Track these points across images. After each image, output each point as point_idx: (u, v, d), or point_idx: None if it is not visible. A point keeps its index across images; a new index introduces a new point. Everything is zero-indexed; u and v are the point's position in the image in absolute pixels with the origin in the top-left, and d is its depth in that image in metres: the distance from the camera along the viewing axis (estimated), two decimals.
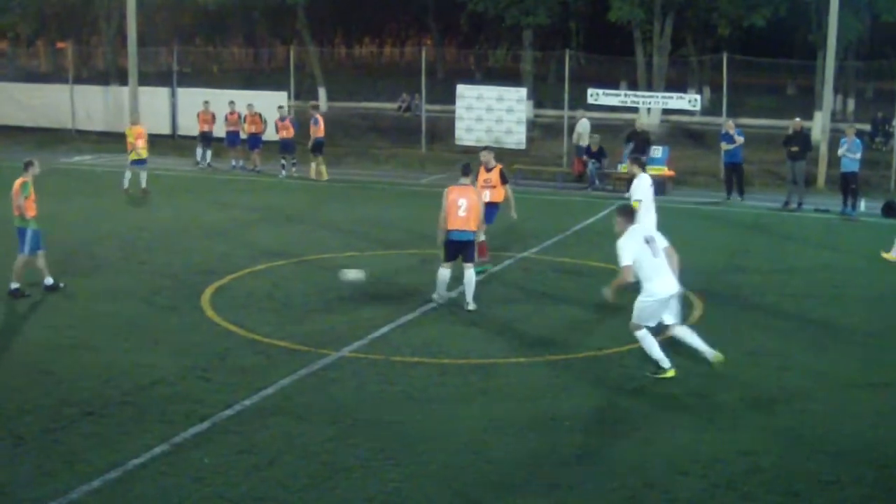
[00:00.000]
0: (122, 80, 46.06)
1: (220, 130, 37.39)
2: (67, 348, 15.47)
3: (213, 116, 37.26)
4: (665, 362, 14.31)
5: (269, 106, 37.74)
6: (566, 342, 15.98)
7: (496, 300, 18.18)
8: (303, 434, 12.18)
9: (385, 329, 16.39)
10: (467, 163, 18.65)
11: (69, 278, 19.56)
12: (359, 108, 55.72)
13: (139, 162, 30.33)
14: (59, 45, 64.16)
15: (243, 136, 36.93)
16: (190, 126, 40.05)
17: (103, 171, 35.48)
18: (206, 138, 37.20)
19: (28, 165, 18.77)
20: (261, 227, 25.42)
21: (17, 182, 18.47)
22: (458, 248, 17.55)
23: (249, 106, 36.88)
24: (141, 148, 30.38)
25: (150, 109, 41.11)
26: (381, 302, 18.20)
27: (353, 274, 18.44)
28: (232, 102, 37.47)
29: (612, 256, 14.57)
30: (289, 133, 35.38)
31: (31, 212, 18.47)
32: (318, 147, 34.65)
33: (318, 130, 34.82)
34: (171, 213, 27.56)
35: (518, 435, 12.25)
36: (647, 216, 18.37)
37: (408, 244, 22.77)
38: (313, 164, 34.70)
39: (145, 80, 43.89)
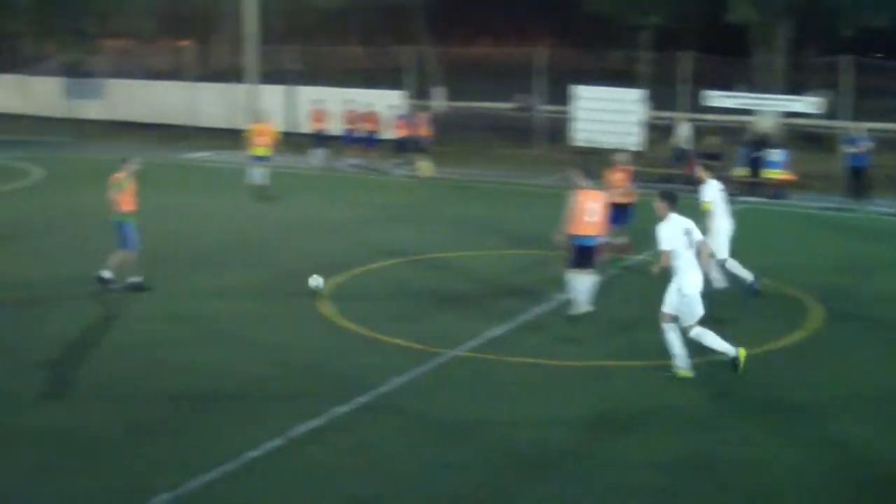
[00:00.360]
0: (242, 78, 46.58)
1: (337, 129, 37.64)
2: (186, 341, 15.70)
3: (327, 115, 37.47)
4: (683, 360, 14.25)
5: (385, 104, 37.86)
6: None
7: (613, 302, 18.00)
8: (416, 432, 12.20)
9: (500, 329, 16.33)
10: (587, 167, 18.09)
11: (188, 273, 19.89)
12: (475, 108, 55.64)
13: (259, 159, 30.67)
14: (181, 43, 65.09)
15: (360, 134, 37.14)
16: (308, 124, 40.38)
17: (221, 167, 35.97)
18: (320, 137, 37.46)
19: (124, 161, 19.10)
20: (376, 225, 25.53)
21: (113, 178, 18.86)
22: (585, 254, 17.01)
23: (367, 104, 37.07)
24: (261, 146, 30.68)
25: (268, 107, 41.52)
26: (496, 302, 18.16)
27: (312, 282, 18.40)
28: (350, 101, 37.70)
29: None
30: (407, 132, 35.51)
31: (128, 206, 18.79)
32: (420, 146, 34.84)
33: (421, 129, 35.03)
34: (288, 210, 27.81)
35: (629, 439, 12.11)
36: (720, 220, 18.40)
37: (522, 244, 22.67)
38: (419, 162, 34.86)
39: (265, 78, 44.38)
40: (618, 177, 21.38)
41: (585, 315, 16.86)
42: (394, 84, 42.66)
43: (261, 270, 20.38)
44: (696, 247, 14.39)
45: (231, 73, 52.47)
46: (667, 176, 34.85)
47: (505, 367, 14.58)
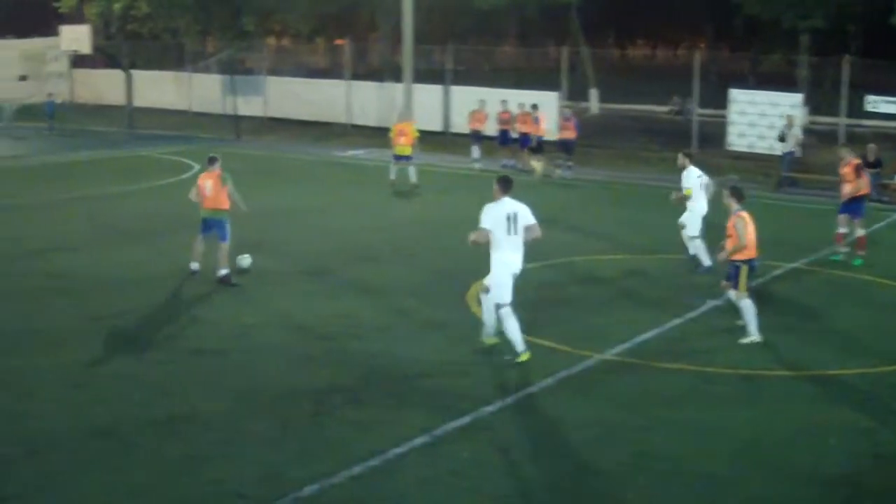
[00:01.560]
0: (397, 76, 47.01)
1: (491, 129, 37.72)
2: (334, 336, 15.90)
3: (485, 115, 37.58)
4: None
5: (540, 105, 37.76)
6: (835, 358, 15.37)
7: (768, 311, 17.64)
8: (561, 434, 12.15)
9: (649, 334, 16.16)
10: (738, 188, 16.61)
11: (339, 268, 20.17)
12: (629, 110, 55.27)
13: (401, 157, 30.94)
14: (338, 42, 66.00)
15: (514, 135, 37.13)
16: (462, 124, 40.54)
17: (374, 165, 36.33)
18: (477, 137, 37.55)
19: (214, 160, 19.69)
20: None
21: (213, 176, 19.38)
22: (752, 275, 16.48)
23: (521, 105, 37.02)
24: (402, 144, 30.98)
25: (423, 106, 41.84)
26: (645, 306, 17.98)
27: (244, 261, 19.20)
28: (504, 101, 37.73)
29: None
30: (570, 134, 35.40)
31: (226, 204, 19.41)
32: (537, 146, 34.91)
33: (540, 130, 35.41)
34: (441, 208, 27.98)
35: (778, 451, 11.86)
36: (699, 202, 20.67)
37: (672, 248, 22.38)
38: (533, 162, 34.88)
39: (419, 77, 44.71)
40: (846, 171, 21.98)
41: (737, 324, 16.44)
42: (549, 85, 42.58)
43: (412, 267, 20.53)
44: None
45: (387, 72, 53.06)
46: (831, 184, 34.12)
47: (653, 372, 14.42)
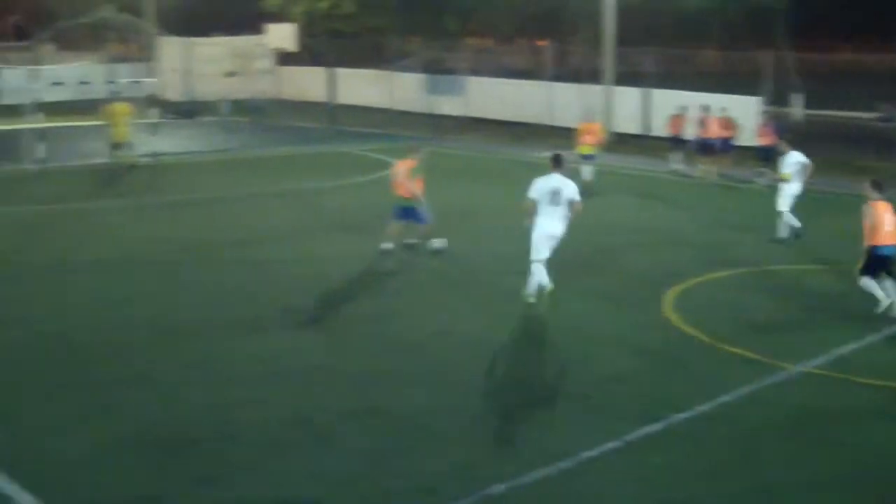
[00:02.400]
0: (597, 78, 46.86)
1: (690, 134, 37.23)
2: (531, 335, 15.97)
3: (686, 120, 37.11)
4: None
5: (741, 110, 37.15)
6: None
7: None
8: (754, 446, 11.94)
9: (849, 347, 15.72)
10: (878, 180, 18.25)
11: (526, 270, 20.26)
12: (835, 117, 53.82)
13: (586, 157, 30.97)
14: (539, 43, 66.09)
15: (714, 140, 36.59)
16: (662, 128, 40.16)
17: (574, 167, 36.19)
18: (676, 142, 37.11)
19: (414, 150, 21.20)
20: (723, 232, 25.08)
21: (406, 165, 20.68)
22: (885, 264, 17.35)
23: (722, 110, 36.45)
24: (586, 144, 31.02)
25: (622, 109, 41.64)
26: (844, 318, 17.49)
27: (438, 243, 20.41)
28: (705, 106, 37.20)
29: None
30: (767, 140, 34.70)
31: (410, 193, 20.76)
32: (708, 148, 34.27)
33: (709, 132, 34.94)
34: (636, 213, 27.79)
35: None
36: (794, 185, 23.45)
37: None
38: (701, 165, 34.37)
39: (619, 79, 44.46)
40: None
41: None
42: (751, 90, 41.82)
43: (607, 272, 20.41)
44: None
45: (587, 74, 52.91)
46: None
47: (852, 387, 14.04)
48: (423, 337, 15.90)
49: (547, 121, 47.61)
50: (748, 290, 19.30)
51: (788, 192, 23.51)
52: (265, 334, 16.06)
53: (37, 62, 60.56)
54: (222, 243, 22.65)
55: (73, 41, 69.28)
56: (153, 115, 38.03)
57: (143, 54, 66.07)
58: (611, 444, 11.66)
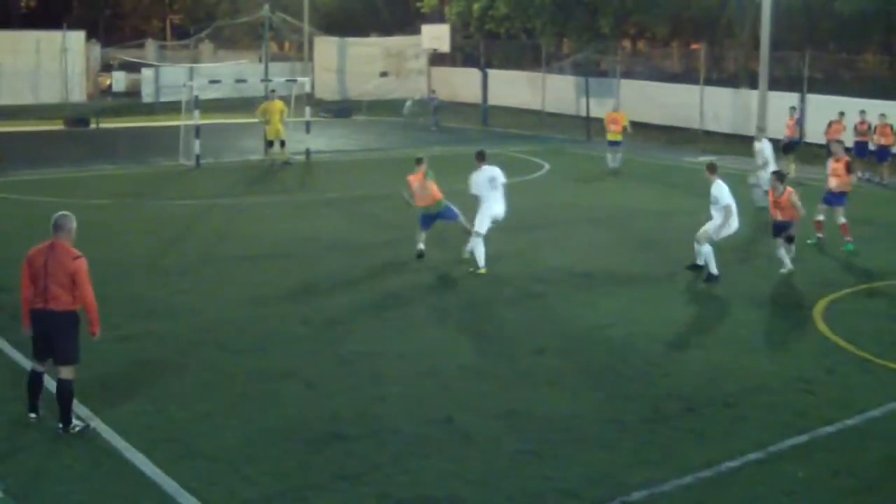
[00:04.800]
0: (752, 83, 46.15)
1: (849, 140, 36.40)
2: (676, 344, 15.83)
3: (844, 127, 36.28)
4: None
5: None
6: None
7: None
8: None
9: None
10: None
11: (663, 275, 20.09)
12: None
13: (613, 143, 34.85)
14: (693, 46, 65.35)
15: (872, 147, 35.77)
16: (817, 133, 39.38)
17: (726, 172, 35.69)
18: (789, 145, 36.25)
19: (420, 161, 21.47)
20: (883, 243, 24.45)
21: (418, 177, 21.12)
22: None
23: (881, 116, 35.60)
24: (613, 132, 35.11)
25: (778, 114, 40.85)
26: None
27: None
28: (862, 112, 36.38)
29: None
30: None
31: (438, 196, 21.29)
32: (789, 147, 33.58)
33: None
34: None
35: None
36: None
37: None
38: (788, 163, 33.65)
39: (775, 84, 43.71)
40: (838, 166, 23.68)
41: None
42: None
43: (759, 280, 20.11)
44: None
45: (742, 78, 52.16)
46: None
47: None
48: (570, 341, 15.92)
49: (700, 125, 47.09)
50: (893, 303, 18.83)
51: None
52: (414, 333, 16.26)
53: (195, 60, 62.35)
54: (371, 242, 22.92)
55: (231, 40, 70.93)
56: (307, 114, 38.63)
57: (299, 54, 67.27)
58: (753, 456, 11.52)
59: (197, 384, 13.79)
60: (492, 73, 56.22)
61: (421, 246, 21.11)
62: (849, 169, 23.74)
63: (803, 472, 11.19)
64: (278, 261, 21.24)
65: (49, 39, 56.82)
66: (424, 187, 21.07)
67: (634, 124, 47.57)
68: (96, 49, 63.89)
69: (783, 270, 20.21)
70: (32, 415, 12.24)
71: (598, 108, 49.07)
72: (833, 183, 23.62)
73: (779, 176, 21.02)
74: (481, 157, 21.17)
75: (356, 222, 25.59)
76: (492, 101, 54.05)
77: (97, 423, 12.19)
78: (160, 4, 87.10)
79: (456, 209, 21.25)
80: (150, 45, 69.86)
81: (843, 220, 23.25)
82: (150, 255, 21.58)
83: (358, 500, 10.42)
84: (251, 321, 16.81)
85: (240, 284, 19.33)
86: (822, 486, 10.92)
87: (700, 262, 19.86)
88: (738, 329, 16.96)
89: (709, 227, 19.87)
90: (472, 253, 20.39)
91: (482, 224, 20.45)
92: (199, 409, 12.85)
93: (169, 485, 10.56)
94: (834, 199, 23.54)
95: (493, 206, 20.65)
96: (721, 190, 19.92)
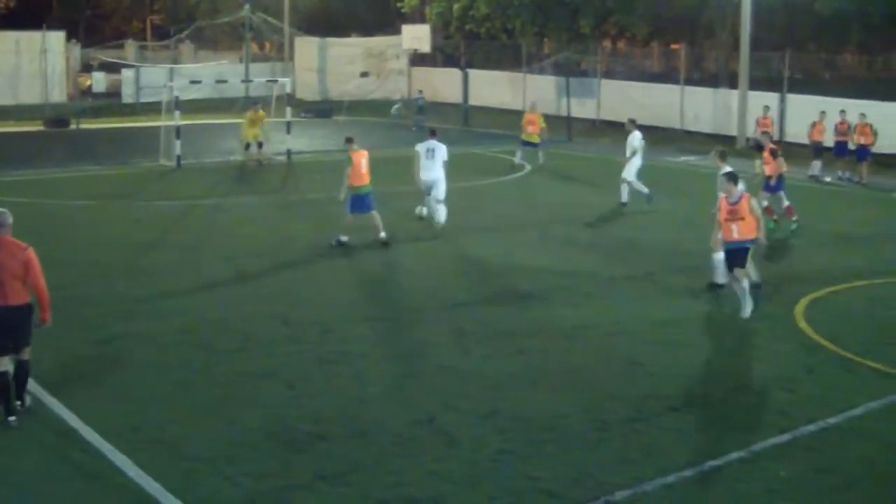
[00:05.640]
0: (732, 83, 46.28)
1: (829, 140, 36.55)
2: (660, 343, 15.84)
3: (825, 127, 36.44)
4: None
5: (881, 116, 36.33)
6: None
7: None
8: (885, 461, 11.71)
9: None
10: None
11: (661, 275, 20.12)
12: None
13: (528, 144, 35.79)
14: (673, 46, 65.49)
15: (852, 146, 35.89)
16: (798, 133, 39.52)
17: (707, 172, 35.84)
18: (818, 149, 36.45)
19: (350, 140, 22.85)
20: (863, 242, 24.56)
21: (364, 155, 22.54)
22: None
23: (861, 116, 35.72)
24: (530, 133, 35.56)
25: (757, 114, 40.98)
26: None
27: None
28: (842, 112, 36.49)
29: None
30: None
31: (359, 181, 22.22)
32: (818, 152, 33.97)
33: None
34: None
35: None
36: None
37: None
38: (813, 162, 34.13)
39: (755, 84, 43.84)
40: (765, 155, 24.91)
41: None
42: (893, 96, 40.86)
43: None
44: None
45: (722, 78, 52.28)
46: None
47: None
48: (553, 341, 15.91)
49: (680, 125, 47.19)
50: (887, 301, 18.86)
51: None
52: (395, 334, 16.25)
53: (176, 61, 62.21)
54: (352, 243, 22.88)
55: (212, 41, 70.78)
56: (288, 114, 38.58)
57: (279, 54, 67.18)
58: (736, 455, 11.53)
59: (178, 385, 13.73)
60: (472, 73, 56.21)
61: (344, 238, 22.18)
62: (773, 155, 24.98)
63: (786, 471, 11.19)
64: (259, 261, 21.19)
65: (29, 40, 56.67)
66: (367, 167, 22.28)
67: (615, 124, 47.85)
68: (76, 49, 63.79)
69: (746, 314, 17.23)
70: (12, 418, 12.17)
71: (579, 108, 49.24)
72: (767, 171, 24.91)
73: (730, 177, 17.51)
74: (432, 133, 25.40)
75: (337, 223, 25.51)
76: (473, 101, 54.06)
77: (79, 425, 12.15)
78: (141, 5, 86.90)
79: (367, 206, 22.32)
80: (131, 46, 69.70)
81: (786, 203, 25.17)
82: (132, 255, 21.51)
83: (340, 501, 10.40)
84: (232, 321, 16.75)
85: (221, 285, 19.30)
86: (805, 485, 10.94)
87: (717, 279, 18.78)
88: (720, 328, 17.02)
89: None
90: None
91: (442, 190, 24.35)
92: (180, 410, 12.80)
93: (152, 486, 10.52)
94: (771, 187, 24.86)
95: (429, 174, 24.20)
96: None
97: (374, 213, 22.30)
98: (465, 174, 33.63)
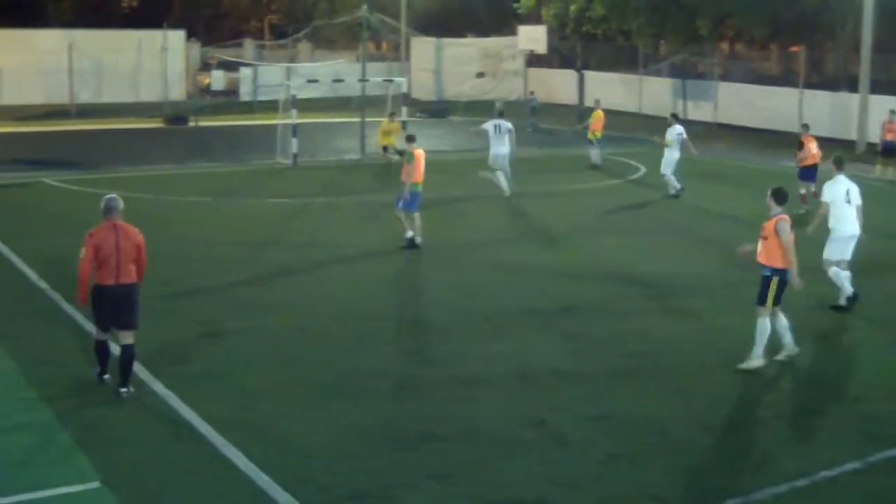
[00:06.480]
0: (852, 86, 45.41)
1: None
2: (772, 353, 15.59)
3: None
4: None
5: None
6: None
7: None
8: None
9: None
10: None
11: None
12: None
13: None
14: (792, 48, 64.43)
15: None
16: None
17: (822, 179, 35.20)
18: (887, 149, 35.52)
19: (411, 139, 22.92)
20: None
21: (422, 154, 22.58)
22: None
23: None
24: (597, 130, 35.81)
25: (879, 118, 40.13)
26: None
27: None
28: (892, 111, 35.51)
29: None
30: None
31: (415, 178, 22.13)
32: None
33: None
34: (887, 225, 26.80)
35: None
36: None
37: None
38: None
39: (876, 87, 42.95)
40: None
41: None
42: None
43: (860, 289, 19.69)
44: None
45: (841, 81, 51.33)
46: None
47: None
48: (664, 345, 15.77)
49: (797, 129, 46.40)
50: None
51: None
52: (507, 335, 16.23)
53: (293, 60, 62.91)
54: (465, 243, 22.96)
55: (329, 40, 71.44)
56: (403, 114, 38.78)
57: (396, 54, 67.55)
58: (851, 466, 11.31)
59: (290, 381, 13.89)
60: (588, 74, 55.97)
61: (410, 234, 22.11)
62: (800, 147, 28.39)
63: None
64: (373, 260, 21.36)
65: (150, 39, 57.82)
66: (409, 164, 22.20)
67: (732, 127, 47.22)
68: (196, 48, 64.88)
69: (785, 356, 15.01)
70: (107, 376, 13.39)
71: (696, 111, 48.72)
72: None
73: (775, 193, 14.89)
74: (500, 113, 29.87)
75: (451, 222, 25.63)
76: (588, 102, 53.78)
77: (192, 417, 12.36)
78: (259, 4, 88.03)
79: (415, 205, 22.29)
80: (249, 45, 70.66)
81: (802, 191, 27.42)
82: (246, 252, 21.81)
83: (449, 500, 10.44)
84: (345, 320, 16.90)
85: (333, 283, 19.47)
86: None
87: (841, 301, 17.79)
88: (835, 338, 16.71)
89: (826, 251, 17.59)
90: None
91: (496, 162, 28.70)
92: (292, 405, 12.96)
93: (262, 480, 10.66)
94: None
95: (499, 149, 28.52)
96: (828, 187, 17.97)
97: (418, 213, 22.25)
98: (579, 176, 33.57)
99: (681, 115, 46.94)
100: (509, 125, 28.86)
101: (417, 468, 11.11)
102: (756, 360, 14.39)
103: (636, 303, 18.35)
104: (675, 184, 29.48)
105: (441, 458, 11.40)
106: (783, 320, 14.69)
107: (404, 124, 38.17)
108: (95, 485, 10.55)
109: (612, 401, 13.29)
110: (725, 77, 53.58)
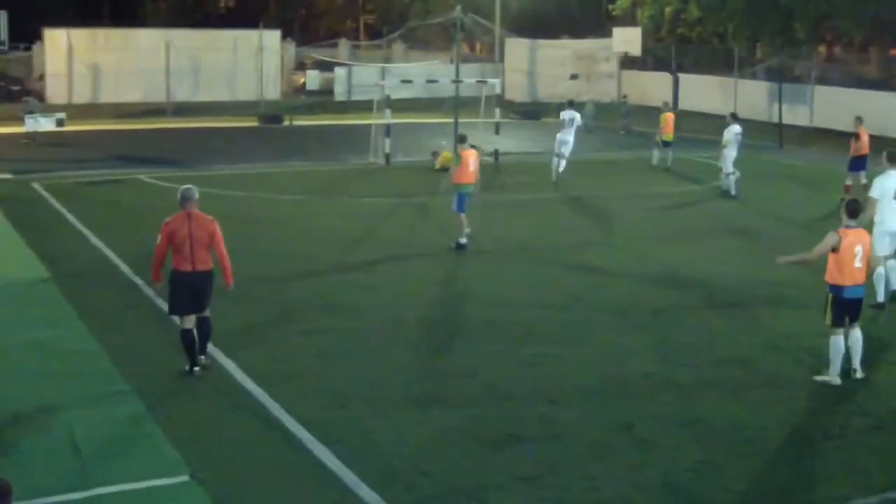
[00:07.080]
0: None
1: None
2: (872, 360, 15.37)
3: None
4: None
5: None
6: None
7: None
8: None
9: None
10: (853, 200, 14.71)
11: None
12: None
13: (667, 144, 35.55)
14: (892, 52, 63.40)
15: None
16: None
17: None
18: None
19: (462, 140, 23.19)
20: None
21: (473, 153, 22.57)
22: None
23: None
24: (668, 133, 36.11)
25: None
26: None
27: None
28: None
29: None
30: None
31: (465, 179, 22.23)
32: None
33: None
34: None
35: None
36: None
37: None
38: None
39: None
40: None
41: None
42: None
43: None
44: None
45: None
46: None
47: None
48: (754, 351, 15.59)
49: None
50: None
51: None
52: (596, 337, 16.18)
53: (387, 60, 63.20)
54: (557, 244, 22.91)
55: (423, 41, 71.66)
56: (496, 115, 38.78)
57: (490, 55, 67.59)
58: None
59: (379, 380, 13.99)
60: (683, 77, 55.53)
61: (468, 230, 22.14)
62: (857, 138, 30.28)
63: None
64: (464, 259, 21.39)
65: (246, 38, 58.44)
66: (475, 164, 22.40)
67: (828, 132, 46.57)
68: (291, 48, 65.50)
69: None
70: (197, 368, 13.89)
71: (791, 115, 48.06)
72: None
73: (849, 205, 14.36)
74: (571, 104, 33.69)
75: (543, 224, 25.60)
76: (682, 105, 53.35)
77: (281, 415, 12.49)
78: (354, 5, 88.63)
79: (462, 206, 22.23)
80: (344, 45, 71.09)
81: (849, 182, 28.92)
82: (338, 250, 21.98)
83: (536, 503, 10.43)
84: (436, 320, 16.98)
85: (426, 282, 19.55)
86: None
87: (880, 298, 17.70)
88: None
89: (875, 247, 15.99)
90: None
91: (560, 147, 32.00)
92: (380, 404, 13.04)
93: (350, 478, 10.75)
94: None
95: (565, 136, 31.89)
96: (878, 181, 17.59)
97: (464, 215, 22.17)
98: (671, 180, 33.35)
99: (776, 119, 46.64)
100: (577, 116, 32.85)
101: (505, 470, 11.13)
102: (831, 376, 13.99)
103: (726, 307, 18.14)
104: (731, 184, 30.10)
105: (528, 460, 11.41)
106: (855, 340, 14.22)
107: (497, 126, 38.16)
108: (184, 478, 10.74)
109: (702, 407, 13.18)
110: (822, 81, 52.79)
